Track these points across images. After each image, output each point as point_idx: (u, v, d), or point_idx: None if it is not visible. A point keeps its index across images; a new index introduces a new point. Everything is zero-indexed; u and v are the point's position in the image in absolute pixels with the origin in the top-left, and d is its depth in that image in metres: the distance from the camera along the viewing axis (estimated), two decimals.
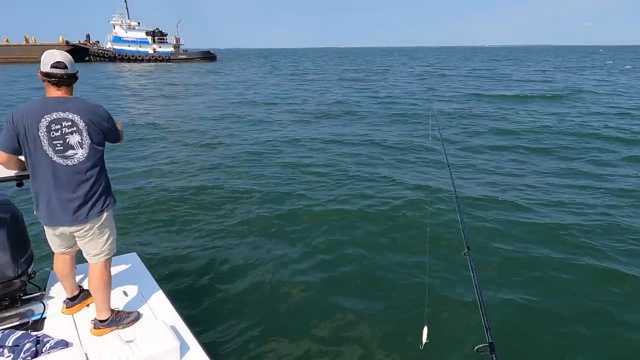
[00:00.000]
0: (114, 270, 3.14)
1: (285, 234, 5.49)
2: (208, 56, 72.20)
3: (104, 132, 2.48)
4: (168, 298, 2.96)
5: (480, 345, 1.69)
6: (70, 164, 2.39)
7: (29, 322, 2.74)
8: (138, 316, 2.72)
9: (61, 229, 2.50)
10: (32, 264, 2.87)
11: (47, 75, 2.33)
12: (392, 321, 3.75)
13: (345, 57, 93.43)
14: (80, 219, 2.46)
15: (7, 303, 2.78)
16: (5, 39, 63.05)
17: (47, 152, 2.34)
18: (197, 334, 2.64)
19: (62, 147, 2.35)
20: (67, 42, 62.38)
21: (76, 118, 2.36)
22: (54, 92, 2.38)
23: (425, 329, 2.60)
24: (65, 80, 2.37)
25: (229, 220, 5.89)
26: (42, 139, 2.32)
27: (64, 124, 2.34)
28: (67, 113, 2.34)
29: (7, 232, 2.65)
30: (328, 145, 10.27)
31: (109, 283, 2.67)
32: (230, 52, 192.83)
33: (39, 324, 2.73)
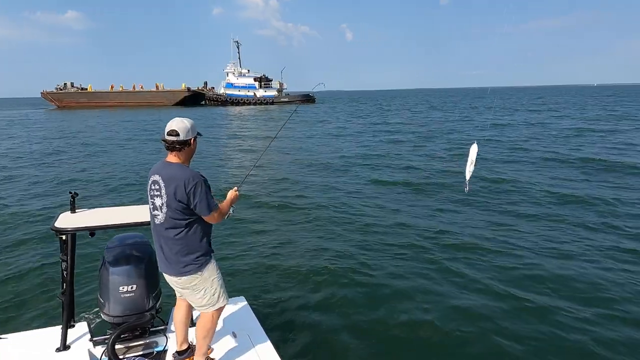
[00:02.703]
0: (223, 312, 3.30)
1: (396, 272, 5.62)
2: (307, 99, 76.49)
3: (184, 202, 2.47)
4: (271, 342, 3.05)
5: None
6: (157, 222, 2.57)
7: (153, 352, 3.00)
8: None
9: (165, 276, 2.71)
10: (160, 300, 3.09)
11: (163, 140, 2.56)
12: None
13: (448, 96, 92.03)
14: (168, 272, 2.64)
15: (138, 333, 3.01)
16: (140, 86, 73.82)
17: (150, 207, 2.63)
18: None
19: (152, 207, 2.58)
20: (188, 89, 70.91)
21: (162, 184, 2.50)
22: (167, 156, 2.59)
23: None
24: (176, 146, 2.53)
25: (335, 262, 5.99)
26: (148, 196, 2.62)
27: (155, 186, 2.54)
28: (160, 177, 2.52)
29: (144, 269, 2.92)
30: None
31: (209, 333, 2.72)
32: (325, 93, 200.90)
33: (161, 355, 2.96)
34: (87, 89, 75.08)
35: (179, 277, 2.60)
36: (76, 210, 3.11)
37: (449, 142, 18.82)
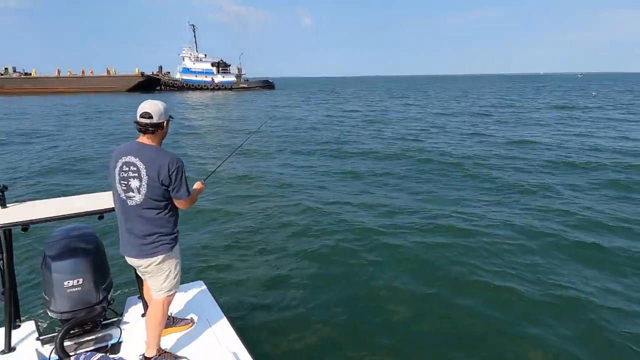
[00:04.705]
0: (182, 297, 3.39)
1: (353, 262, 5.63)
2: (267, 85, 75.74)
3: (165, 185, 2.53)
4: (231, 325, 3.04)
5: None
6: (131, 204, 2.55)
7: (107, 345, 2.91)
8: None
9: (128, 259, 2.71)
10: (111, 291, 3.04)
11: (136, 122, 2.57)
12: None
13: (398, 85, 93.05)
14: (138, 254, 2.63)
15: (89, 327, 2.94)
16: (90, 71, 69.75)
17: (118, 189, 2.58)
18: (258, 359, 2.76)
19: (125, 188, 2.55)
20: (142, 74, 67.80)
21: (141, 166, 2.50)
22: (140, 138, 2.61)
23: None
24: (149, 129, 2.55)
25: (296, 246, 6.11)
26: (116, 177, 2.56)
27: (131, 167, 2.52)
28: (137, 159, 2.51)
29: (92, 261, 2.85)
30: None
31: (161, 321, 2.72)
32: (285, 80, 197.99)
33: (116, 347, 2.90)
34: (30, 74, 70.63)
35: (147, 258, 2.62)
36: (7, 205, 2.98)
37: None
